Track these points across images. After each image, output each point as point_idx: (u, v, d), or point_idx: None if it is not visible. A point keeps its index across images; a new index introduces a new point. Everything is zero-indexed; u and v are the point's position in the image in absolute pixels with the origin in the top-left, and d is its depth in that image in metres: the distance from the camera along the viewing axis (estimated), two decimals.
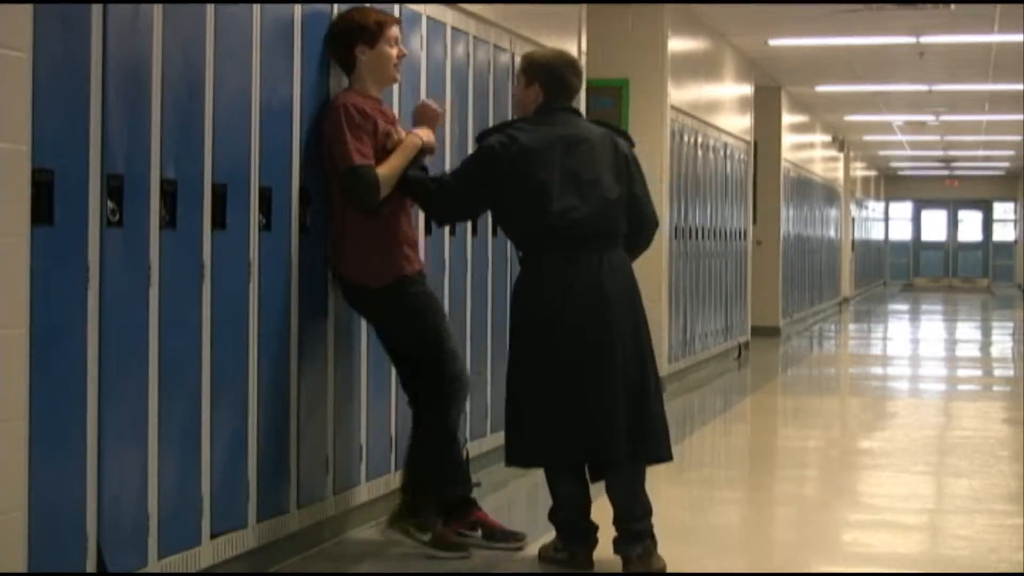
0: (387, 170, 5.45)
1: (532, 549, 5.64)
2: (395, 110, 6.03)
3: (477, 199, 5.66)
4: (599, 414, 5.29)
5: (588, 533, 5.43)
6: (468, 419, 7.09)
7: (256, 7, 5.11)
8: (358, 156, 5.40)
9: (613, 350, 5.33)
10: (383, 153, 5.48)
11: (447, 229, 6.74)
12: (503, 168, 5.42)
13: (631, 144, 5.69)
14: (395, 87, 6.13)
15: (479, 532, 5.68)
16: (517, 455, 5.52)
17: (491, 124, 7.34)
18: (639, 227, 5.61)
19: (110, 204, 4.29)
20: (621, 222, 5.50)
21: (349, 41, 5.57)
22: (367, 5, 5.75)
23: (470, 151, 7.07)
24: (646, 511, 5.37)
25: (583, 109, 8.41)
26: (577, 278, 5.34)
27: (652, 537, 5.35)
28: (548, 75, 5.62)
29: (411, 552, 5.59)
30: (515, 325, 5.57)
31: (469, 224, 7.04)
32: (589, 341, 5.32)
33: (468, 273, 7.10)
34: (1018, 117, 22.75)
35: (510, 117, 7.58)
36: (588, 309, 5.33)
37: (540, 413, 5.35)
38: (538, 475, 6.80)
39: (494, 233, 7.30)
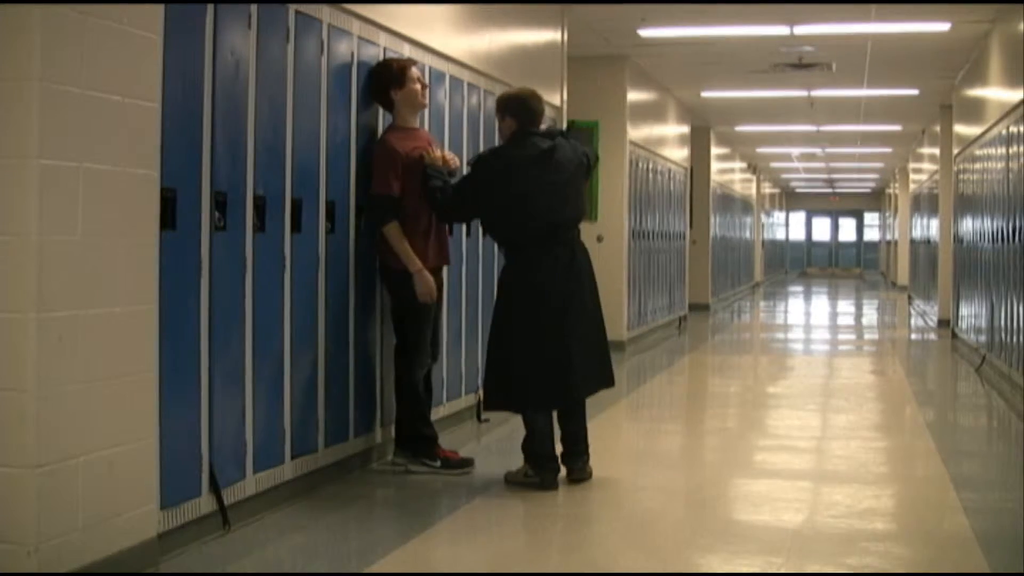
0: (397, 237, 5.37)
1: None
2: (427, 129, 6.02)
3: (468, 207, 5.43)
4: (571, 370, 5.23)
5: (555, 461, 5.29)
6: (475, 373, 7.08)
7: (324, 64, 5.10)
8: (385, 187, 5.37)
9: (580, 320, 5.28)
10: (409, 173, 5.41)
11: (464, 230, 6.72)
12: (489, 180, 5.24)
13: (593, 156, 5.57)
14: (427, 121, 6.11)
15: (439, 463, 5.52)
16: (506, 402, 5.36)
17: None
18: None
19: (216, 214, 4.28)
20: (582, 216, 5.41)
21: (384, 87, 5.55)
22: (391, 58, 5.71)
23: None
24: (586, 434, 5.39)
25: None
26: (557, 268, 5.24)
27: (587, 453, 5.37)
28: (517, 107, 5.40)
29: (426, 472, 5.51)
30: (507, 306, 5.31)
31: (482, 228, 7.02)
32: (567, 318, 5.24)
33: (480, 260, 7.10)
34: (881, 150, 22.76)
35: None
36: (565, 293, 5.25)
37: (531, 372, 5.21)
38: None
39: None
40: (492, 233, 5.54)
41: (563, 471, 5.33)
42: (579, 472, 5.32)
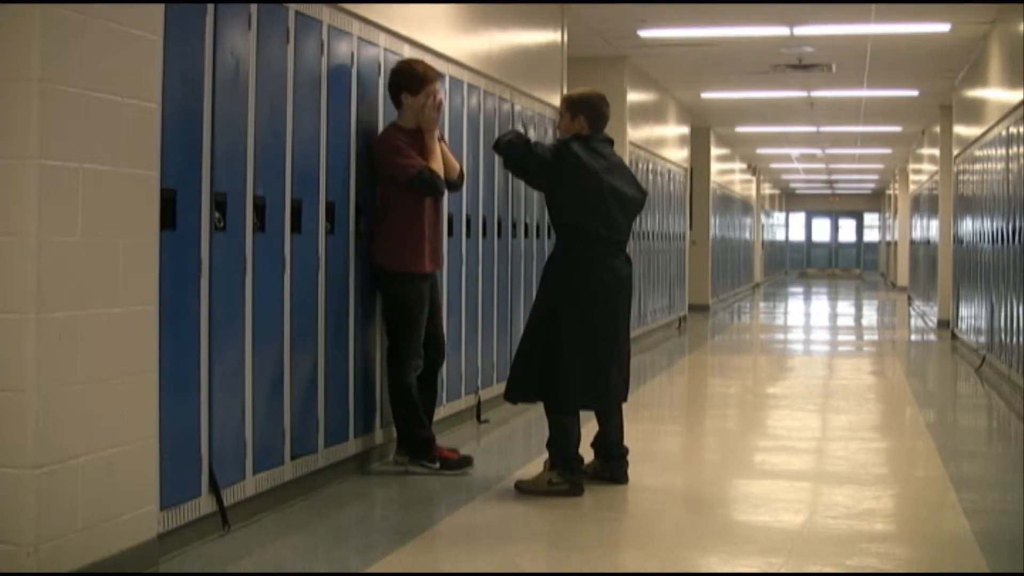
0: (436, 166, 5.43)
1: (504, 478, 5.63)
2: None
3: (540, 167, 5.18)
4: (611, 373, 5.23)
5: (582, 463, 5.25)
6: (475, 374, 7.10)
7: (324, 65, 5.10)
8: (415, 164, 5.36)
9: (622, 327, 5.29)
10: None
11: (464, 231, 6.71)
12: (577, 161, 5.12)
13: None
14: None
15: (437, 464, 5.52)
16: (546, 398, 5.20)
17: (495, 154, 7.28)
18: None
19: (216, 214, 4.28)
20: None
21: (399, 86, 5.52)
22: (422, 62, 5.67)
23: (482, 176, 7.06)
24: (623, 436, 5.43)
25: None
26: (617, 273, 5.22)
27: (627, 456, 5.43)
28: (591, 109, 5.27)
29: (426, 473, 5.52)
30: (562, 302, 5.14)
31: (480, 227, 7.02)
32: (619, 321, 5.25)
33: (480, 260, 7.09)
34: (881, 151, 22.77)
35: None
36: (620, 297, 5.25)
37: (578, 370, 5.12)
38: (531, 414, 6.81)
39: (499, 235, 7.28)
40: (563, 213, 5.24)
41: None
42: (623, 475, 5.34)
